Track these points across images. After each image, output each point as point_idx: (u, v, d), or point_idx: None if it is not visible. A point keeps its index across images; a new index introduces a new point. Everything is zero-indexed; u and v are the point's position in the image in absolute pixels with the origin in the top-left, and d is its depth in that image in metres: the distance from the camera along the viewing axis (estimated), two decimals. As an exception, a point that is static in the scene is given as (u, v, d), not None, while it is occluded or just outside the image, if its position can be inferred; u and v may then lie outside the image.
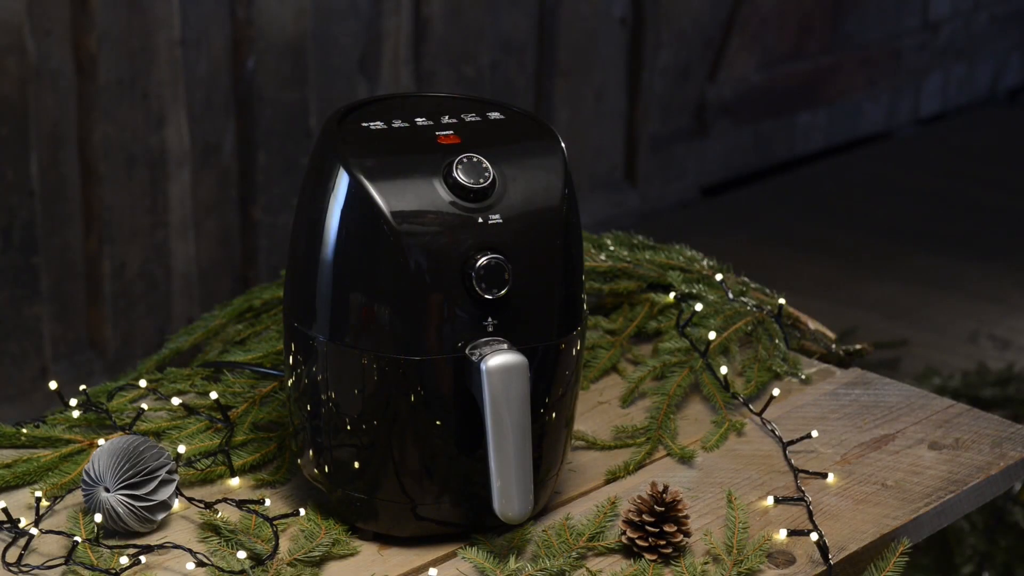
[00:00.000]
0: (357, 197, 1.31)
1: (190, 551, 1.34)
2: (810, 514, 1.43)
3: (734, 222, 4.38)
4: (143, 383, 1.59)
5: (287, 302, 1.40)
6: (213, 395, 1.52)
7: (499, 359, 1.29)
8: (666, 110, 4.34)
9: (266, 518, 1.39)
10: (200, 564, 1.33)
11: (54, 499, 1.41)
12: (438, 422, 1.34)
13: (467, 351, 1.31)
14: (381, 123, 1.38)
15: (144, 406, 1.54)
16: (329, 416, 1.37)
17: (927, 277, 4.07)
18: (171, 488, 1.39)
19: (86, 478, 1.37)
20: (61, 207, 3.00)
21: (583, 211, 1.41)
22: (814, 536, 1.39)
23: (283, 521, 1.39)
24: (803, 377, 1.68)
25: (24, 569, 1.33)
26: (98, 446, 1.46)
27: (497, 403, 1.30)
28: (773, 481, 1.50)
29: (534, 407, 1.33)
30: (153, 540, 1.37)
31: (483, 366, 1.29)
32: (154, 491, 1.38)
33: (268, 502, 1.42)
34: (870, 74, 4.89)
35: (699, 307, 1.70)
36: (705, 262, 1.80)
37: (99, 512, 1.36)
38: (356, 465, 1.37)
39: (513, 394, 1.30)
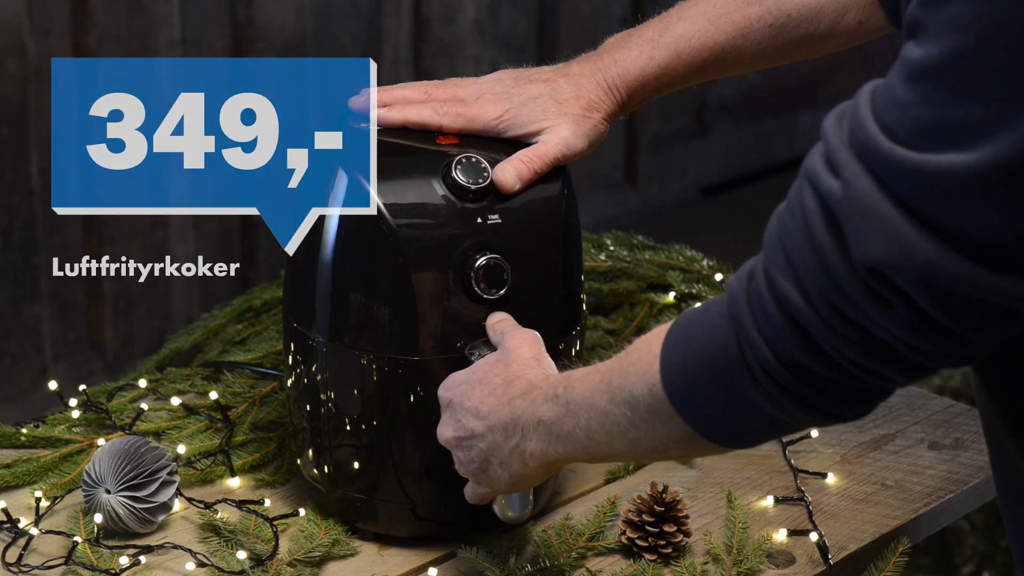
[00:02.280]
0: (356, 197, 1.31)
1: (190, 551, 1.34)
2: (810, 514, 1.43)
3: (734, 222, 4.37)
4: (143, 383, 1.59)
5: (287, 302, 1.40)
6: (213, 395, 1.52)
7: None
8: (666, 110, 4.34)
9: (266, 518, 1.39)
10: (200, 564, 1.33)
11: (54, 499, 1.41)
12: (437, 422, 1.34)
13: (466, 351, 1.31)
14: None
15: (144, 406, 1.54)
16: (329, 416, 1.37)
17: (927, 277, 4.06)
18: (172, 490, 1.39)
19: (87, 479, 1.37)
20: (61, 207, 3.00)
21: (583, 211, 1.41)
22: (814, 536, 1.39)
23: (283, 521, 1.39)
24: (803, 377, 1.68)
25: (24, 569, 1.33)
26: (98, 446, 1.46)
27: None
28: (773, 481, 1.50)
29: None
30: (153, 540, 1.37)
31: None
32: (155, 493, 1.38)
33: (268, 502, 1.42)
34: (870, 74, 4.88)
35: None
36: (705, 262, 1.80)
37: (99, 513, 1.36)
38: (356, 465, 1.37)
39: None
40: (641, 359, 1.10)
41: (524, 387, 1.22)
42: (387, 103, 1.38)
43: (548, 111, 1.36)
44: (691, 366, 1.06)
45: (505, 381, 1.24)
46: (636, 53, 1.39)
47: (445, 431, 1.28)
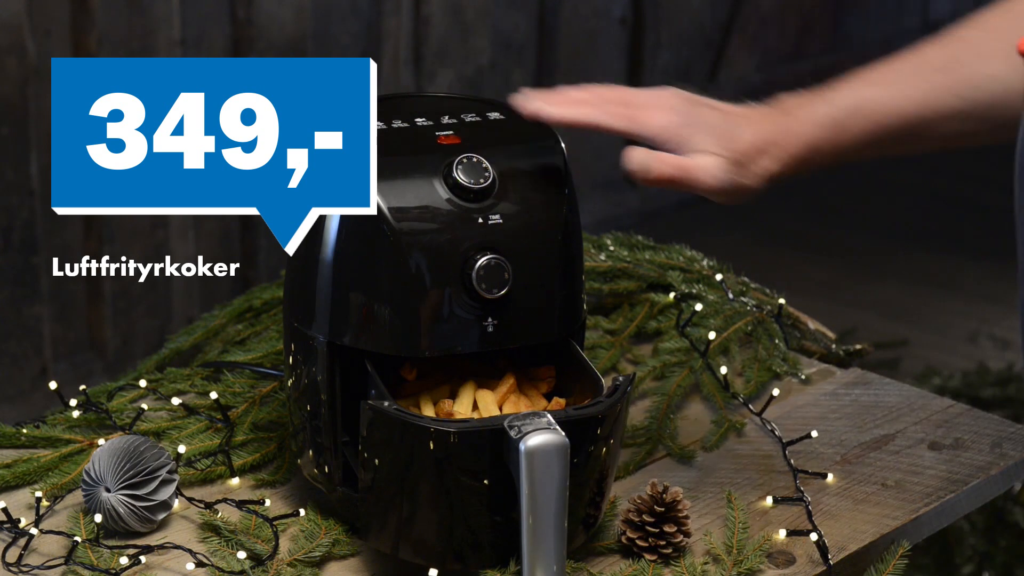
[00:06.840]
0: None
1: (190, 551, 1.34)
2: (809, 514, 1.43)
3: (734, 222, 4.38)
4: (143, 383, 1.59)
5: (287, 302, 1.40)
6: (213, 395, 1.52)
7: (539, 439, 1.24)
8: (666, 110, 4.33)
9: (266, 518, 1.39)
10: (200, 564, 1.33)
11: (54, 499, 1.41)
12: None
13: (505, 424, 1.27)
14: (381, 123, 1.38)
15: (144, 406, 1.54)
16: (329, 416, 1.37)
17: (927, 277, 4.07)
18: (171, 488, 1.39)
19: (87, 478, 1.37)
20: (61, 207, 3.00)
21: (583, 211, 1.41)
22: (814, 536, 1.39)
23: (283, 521, 1.39)
24: (803, 377, 1.68)
25: (24, 569, 1.33)
26: (98, 446, 1.46)
27: (534, 485, 1.24)
28: (773, 481, 1.50)
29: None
30: (153, 540, 1.37)
31: (522, 446, 1.24)
32: (155, 491, 1.38)
33: (268, 502, 1.42)
34: (870, 74, 4.88)
35: (699, 307, 1.70)
36: (705, 262, 1.80)
37: (99, 512, 1.36)
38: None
39: (552, 475, 1.25)
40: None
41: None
42: (552, 102, 1.36)
43: (709, 143, 1.34)
44: None
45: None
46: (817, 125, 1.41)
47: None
